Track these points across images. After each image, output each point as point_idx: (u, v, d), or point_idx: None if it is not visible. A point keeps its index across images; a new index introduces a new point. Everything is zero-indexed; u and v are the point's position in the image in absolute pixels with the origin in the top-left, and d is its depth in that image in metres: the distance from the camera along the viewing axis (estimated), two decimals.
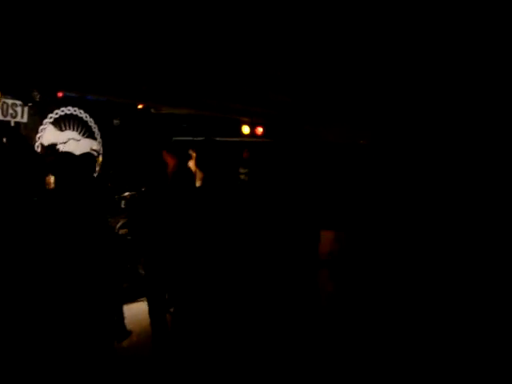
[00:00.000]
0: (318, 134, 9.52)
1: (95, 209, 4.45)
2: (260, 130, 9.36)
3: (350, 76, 8.32)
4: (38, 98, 6.41)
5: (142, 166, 8.16)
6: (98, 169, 8.22)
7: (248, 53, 7.41)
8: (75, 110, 8.41)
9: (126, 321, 5.37)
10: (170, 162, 8.75)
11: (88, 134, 8.67)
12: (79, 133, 8.50)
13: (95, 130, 8.80)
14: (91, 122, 8.72)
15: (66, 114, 8.24)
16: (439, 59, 7.25)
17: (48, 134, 7.86)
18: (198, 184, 4.26)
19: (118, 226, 7.11)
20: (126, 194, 7.49)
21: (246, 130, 9.31)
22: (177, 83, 7.15)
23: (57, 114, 8.07)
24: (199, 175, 4.25)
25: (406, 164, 8.84)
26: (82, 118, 8.55)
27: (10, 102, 7.17)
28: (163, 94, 7.40)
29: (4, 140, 6.80)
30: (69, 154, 4.86)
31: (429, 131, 8.50)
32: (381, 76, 8.16)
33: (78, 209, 4.02)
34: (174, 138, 9.57)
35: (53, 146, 7.81)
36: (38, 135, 7.75)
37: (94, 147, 8.69)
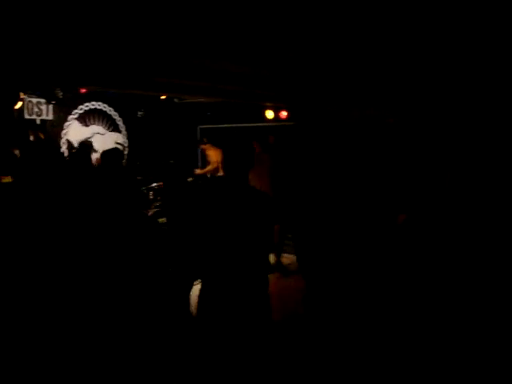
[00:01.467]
0: (343, 114, 9.41)
1: (128, 200, 4.46)
2: (284, 113, 9.30)
3: (375, 54, 8.16)
4: (60, 95, 6.47)
5: (168, 157, 8.22)
6: (124, 161, 8.28)
7: (266, 35, 7.32)
8: (99, 105, 8.46)
9: None
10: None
11: (113, 127, 8.73)
12: (104, 127, 8.55)
13: (120, 123, 8.85)
14: (115, 115, 8.77)
15: (90, 108, 8.30)
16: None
17: (73, 130, 7.94)
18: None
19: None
20: (154, 185, 7.52)
21: (269, 114, 9.25)
22: (197, 72, 7.11)
23: (81, 109, 8.13)
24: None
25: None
26: (106, 111, 8.60)
27: (34, 100, 7.24)
28: (184, 84, 7.38)
29: (31, 138, 6.90)
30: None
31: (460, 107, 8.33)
32: (408, 52, 7.99)
33: (110, 200, 4.05)
34: (199, 127, 9.58)
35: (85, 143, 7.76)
36: (63, 131, 7.82)
37: (119, 140, 8.74)
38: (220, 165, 8.68)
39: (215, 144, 8.83)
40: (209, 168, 8.71)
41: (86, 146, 6.70)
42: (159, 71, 6.15)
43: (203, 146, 8.95)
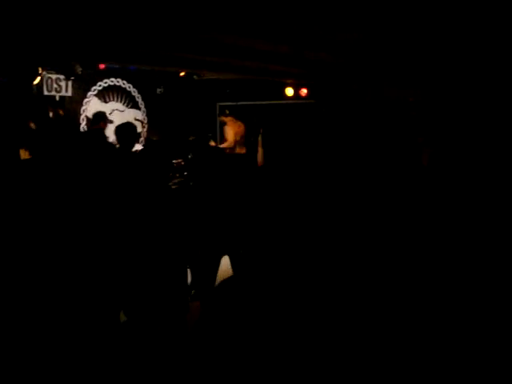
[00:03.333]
0: (366, 92, 9.28)
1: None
2: (304, 91, 9.20)
3: (398, 34, 7.99)
4: (79, 71, 6.43)
5: (187, 133, 8.18)
6: (142, 138, 8.26)
7: (287, 11, 7.19)
8: (118, 81, 8.43)
9: None
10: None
11: (132, 104, 8.70)
12: (123, 103, 8.53)
13: (139, 99, 8.82)
14: (134, 91, 8.73)
15: (109, 85, 8.27)
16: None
17: (92, 107, 7.91)
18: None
19: None
20: (173, 162, 7.48)
21: (289, 91, 9.16)
22: (217, 47, 7.02)
23: (100, 86, 8.10)
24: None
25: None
26: (125, 88, 8.57)
27: (54, 76, 7.21)
28: (204, 60, 7.30)
29: (51, 114, 6.89)
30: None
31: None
32: (430, 33, 7.82)
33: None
34: (219, 104, 9.51)
35: (100, 114, 7.68)
36: (82, 108, 7.81)
37: (138, 117, 8.72)
38: (236, 143, 8.53)
39: (237, 117, 8.72)
40: (225, 145, 8.58)
41: (100, 116, 6.70)
42: (178, 46, 6.08)
43: (224, 119, 8.84)
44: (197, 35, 6.37)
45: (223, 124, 9.03)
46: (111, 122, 7.17)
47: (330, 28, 7.76)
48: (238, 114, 8.94)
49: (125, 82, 8.52)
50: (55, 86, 7.33)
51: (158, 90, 9.12)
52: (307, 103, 9.35)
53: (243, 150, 8.60)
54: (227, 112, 8.87)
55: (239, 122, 8.77)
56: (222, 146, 8.67)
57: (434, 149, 7.57)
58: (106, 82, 8.20)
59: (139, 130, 8.20)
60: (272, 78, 8.81)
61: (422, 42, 8.22)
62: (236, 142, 8.53)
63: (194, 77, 9.07)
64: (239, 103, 9.26)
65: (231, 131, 8.66)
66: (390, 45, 8.31)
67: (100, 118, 6.80)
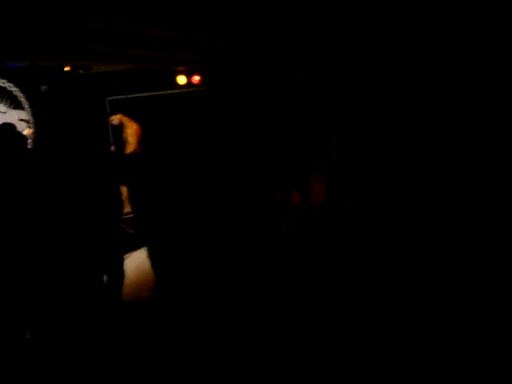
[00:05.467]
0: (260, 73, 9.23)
1: None
2: (197, 78, 9.01)
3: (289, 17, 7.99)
4: None
5: (79, 132, 7.76)
6: (31, 139, 7.75)
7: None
8: None
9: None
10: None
11: (14, 104, 8.13)
12: (4, 104, 7.95)
13: (22, 99, 8.26)
14: (16, 91, 8.16)
15: None
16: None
17: None
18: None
19: None
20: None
21: (181, 80, 8.94)
22: (101, 35, 6.65)
23: None
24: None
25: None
26: (5, 87, 7.99)
27: None
28: (88, 49, 6.91)
29: None
30: None
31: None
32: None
33: None
34: (108, 98, 9.11)
35: None
36: None
37: (23, 117, 8.16)
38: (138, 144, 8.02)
39: (129, 111, 8.30)
40: (130, 149, 8.05)
41: None
42: (62, 36, 5.71)
43: (120, 119, 8.40)
44: (82, 22, 6.02)
45: (117, 125, 8.61)
46: None
47: (220, 14, 7.65)
48: (129, 108, 8.61)
49: (4, 80, 7.94)
50: None
51: (42, 88, 8.57)
52: (200, 90, 9.19)
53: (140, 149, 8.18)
54: (119, 114, 8.48)
55: (134, 122, 8.38)
56: (126, 151, 8.22)
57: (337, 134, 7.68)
58: None
59: (26, 131, 7.70)
60: (163, 66, 8.56)
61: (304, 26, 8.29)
62: (138, 144, 8.03)
63: (80, 71, 8.62)
64: (129, 96, 8.92)
65: (133, 133, 8.21)
66: (279, 28, 8.33)
67: None
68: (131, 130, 8.32)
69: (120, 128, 8.55)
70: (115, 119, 8.57)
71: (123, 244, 5.58)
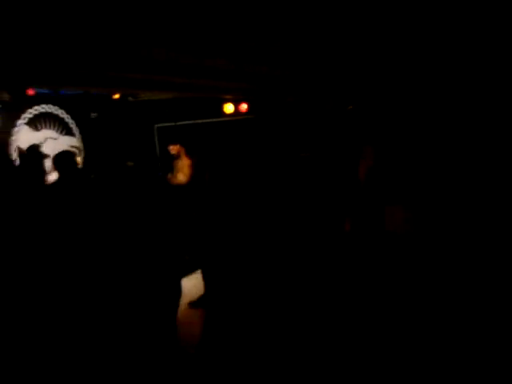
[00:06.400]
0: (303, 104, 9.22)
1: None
2: (244, 106, 9.03)
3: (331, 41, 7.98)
4: (7, 98, 6.04)
5: (128, 158, 7.82)
6: (80, 165, 7.86)
7: (219, 23, 7.02)
8: (49, 108, 8.01)
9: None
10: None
11: (66, 131, 8.30)
12: (56, 131, 8.11)
13: (73, 126, 8.43)
14: (68, 118, 8.34)
15: (40, 112, 7.85)
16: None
17: (23, 136, 7.46)
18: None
19: None
20: None
21: (229, 108, 8.98)
22: (148, 64, 6.74)
23: (30, 113, 7.67)
24: None
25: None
26: (57, 114, 8.16)
27: None
28: (136, 78, 7.02)
29: None
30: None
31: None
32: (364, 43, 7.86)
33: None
34: (156, 126, 9.22)
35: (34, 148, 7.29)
36: (12, 138, 7.35)
37: (74, 144, 8.32)
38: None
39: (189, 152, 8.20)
40: (179, 180, 7.99)
41: (34, 150, 6.28)
42: (109, 65, 5.80)
43: (179, 150, 8.30)
44: (131, 52, 6.11)
45: (174, 156, 8.57)
46: (46, 156, 6.70)
47: (265, 41, 7.66)
48: (177, 136, 8.64)
49: (56, 107, 8.12)
50: None
51: (92, 115, 8.75)
52: (247, 119, 9.21)
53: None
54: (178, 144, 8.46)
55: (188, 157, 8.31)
56: (175, 180, 8.17)
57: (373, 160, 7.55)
58: (36, 110, 7.77)
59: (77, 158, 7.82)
60: (210, 94, 8.63)
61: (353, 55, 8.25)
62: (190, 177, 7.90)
63: (129, 98, 8.76)
64: (178, 123, 9.00)
65: (186, 166, 8.11)
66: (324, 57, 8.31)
67: (35, 152, 6.34)
68: (187, 162, 8.26)
69: (175, 157, 8.52)
70: (174, 149, 8.51)
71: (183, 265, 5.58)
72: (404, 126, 8.53)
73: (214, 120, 9.11)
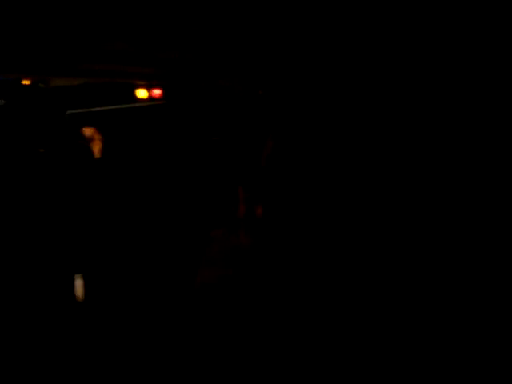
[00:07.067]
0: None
1: None
2: (157, 92, 9.04)
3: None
4: None
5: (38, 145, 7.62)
6: None
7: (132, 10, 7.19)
8: None
9: None
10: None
11: None
12: None
13: None
14: None
15: None
16: None
17: None
18: None
19: None
20: None
21: (141, 93, 8.96)
22: (57, 50, 6.75)
23: None
24: None
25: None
26: None
27: None
28: (50, 64, 6.99)
29: None
30: None
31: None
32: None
33: None
34: (68, 112, 9.03)
35: None
36: None
37: None
38: None
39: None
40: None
41: None
42: (21, 50, 5.75)
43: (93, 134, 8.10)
44: (43, 36, 6.10)
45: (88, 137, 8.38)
46: None
47: (173, 25, 7.85)
48: (90, 121, 8.49)
49: None
50: None
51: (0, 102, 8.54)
52: (161, 104, 9.19)
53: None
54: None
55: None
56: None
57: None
58: None
59: None
60: (124, 79, 8.64)
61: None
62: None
63: (40, 85, 8.64)
64: (91, 109, 8.86)
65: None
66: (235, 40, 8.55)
67: None
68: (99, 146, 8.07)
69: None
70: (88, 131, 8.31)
71: None
72: (308, 117, 8.68)
73: (127, 106, 9.03)
